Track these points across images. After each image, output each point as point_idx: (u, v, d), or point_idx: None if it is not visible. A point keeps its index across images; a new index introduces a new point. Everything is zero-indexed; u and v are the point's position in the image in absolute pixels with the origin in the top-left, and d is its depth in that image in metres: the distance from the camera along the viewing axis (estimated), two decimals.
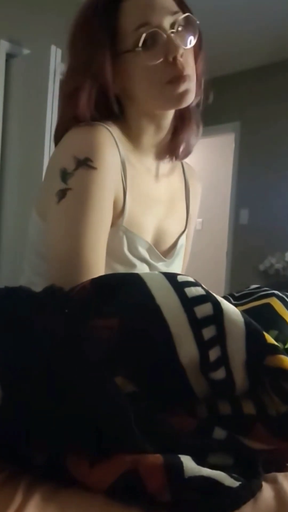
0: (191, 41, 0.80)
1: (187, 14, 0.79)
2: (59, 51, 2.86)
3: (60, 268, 0.73)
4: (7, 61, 3.10)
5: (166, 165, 0.95)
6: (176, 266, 0.98)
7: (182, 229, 1.00)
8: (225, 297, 0.79)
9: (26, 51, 3.15)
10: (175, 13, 0.79)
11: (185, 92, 0.79)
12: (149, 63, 0.77)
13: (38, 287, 0.64)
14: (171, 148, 0.91)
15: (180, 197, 1.00)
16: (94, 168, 0.74)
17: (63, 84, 0.86)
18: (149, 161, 0.90)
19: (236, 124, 4.59)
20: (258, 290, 0.77)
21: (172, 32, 0.77)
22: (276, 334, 0.65)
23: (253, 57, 4.27)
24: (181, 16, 0.79)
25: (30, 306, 0.57)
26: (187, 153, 0.96)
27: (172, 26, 0.78)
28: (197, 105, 0.90)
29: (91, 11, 0.81)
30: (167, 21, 0.78)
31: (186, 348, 0.52)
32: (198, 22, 0.80)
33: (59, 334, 0.53)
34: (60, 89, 0.88)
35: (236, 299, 0.78)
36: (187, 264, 1.09)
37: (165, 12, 0.78)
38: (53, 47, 2.84)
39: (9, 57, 3.12)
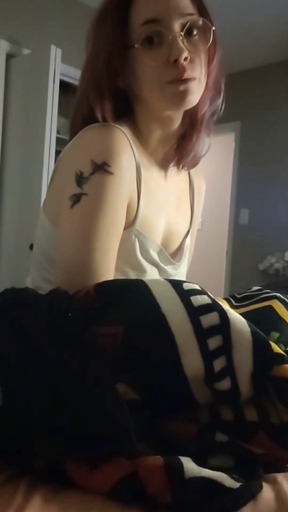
0: (201, 46, 0.77)
1: (201, 18, 0.76)
2: (59, 51, 2.86)
3: (68, 274, 0.71)
4: (7, 61, 3.10)
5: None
6: (183, 268, 0.97)
7: (187, 229, 0.98)
8: (226, 299, 0.79)
9: (26, 51, 3.14)
10: (188, 14, 0.75)
11: (185, 92, 0.76)
12: (150, 63, 0.75)
13: (44, 292, 0.63)
14: (178, 157, 0.89)
15: (185, 196, 0.99)
16: (111, 173, 0.72)
17: (80, 78, 0.84)
18: (158, 162, 0.89)
19: (236, 123, 4.58)
20: (260, 292, 0.76)
21: (180, 34, 0.74)
22: (278, 336, 0.65)
23: (254, 57, 4.27)
24: (195, 19, 0.75)
25: (34, 308, 0.57)
26: (194, 164, 0.93)
27: (182, 27, 0.74)
28: (212, 114, 0.87)
29: (105, 6, 0.80)
30: (176, 21, 0.74)
31: (191, 359, 0.51)
32: (213, 28, 0.77)
33: (61, 338, 0.53)
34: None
35: (238, 301, 0.77)
36: (189, 264, 1.08)
37: (177, 12, 0.74)
38: (53, 47, 2.84)
39: (9, 57, 3.12)
